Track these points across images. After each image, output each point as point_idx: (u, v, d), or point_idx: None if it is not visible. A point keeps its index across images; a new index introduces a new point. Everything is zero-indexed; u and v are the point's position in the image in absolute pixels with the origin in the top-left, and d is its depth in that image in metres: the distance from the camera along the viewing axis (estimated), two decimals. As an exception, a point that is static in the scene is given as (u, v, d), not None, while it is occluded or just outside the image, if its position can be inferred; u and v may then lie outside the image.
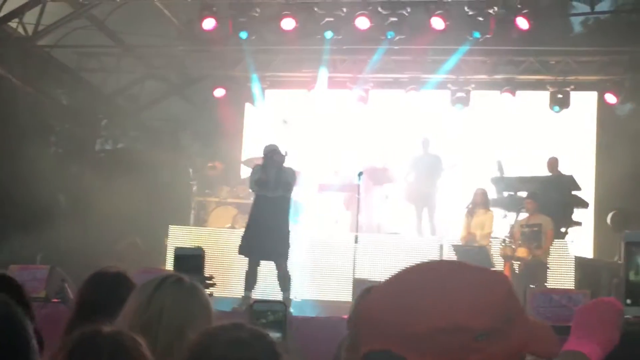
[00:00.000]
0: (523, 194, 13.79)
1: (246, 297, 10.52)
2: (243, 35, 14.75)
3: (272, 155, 11.02)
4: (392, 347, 1.51)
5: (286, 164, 11.11)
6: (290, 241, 11.01)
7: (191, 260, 2.99)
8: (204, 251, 3.12)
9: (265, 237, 10.66)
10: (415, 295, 1.55)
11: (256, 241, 10.76)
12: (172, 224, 14.12)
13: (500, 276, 1.62)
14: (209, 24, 14.72)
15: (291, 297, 10.78)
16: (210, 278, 3.49)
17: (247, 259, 10.81)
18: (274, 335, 2.03)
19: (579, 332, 1.73)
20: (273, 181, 10.89)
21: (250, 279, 10.71)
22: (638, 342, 1.63)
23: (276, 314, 2.02)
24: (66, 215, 13.99)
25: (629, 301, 1.79)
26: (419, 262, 1.64)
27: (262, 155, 11.24)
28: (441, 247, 13.37)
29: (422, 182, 14.99)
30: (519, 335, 1.54)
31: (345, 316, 9.71)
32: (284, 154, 10.92)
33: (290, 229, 11.12)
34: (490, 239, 12.96)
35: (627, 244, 1.78)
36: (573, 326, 1.74)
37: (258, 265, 10.81)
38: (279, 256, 10.72)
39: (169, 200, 14.62)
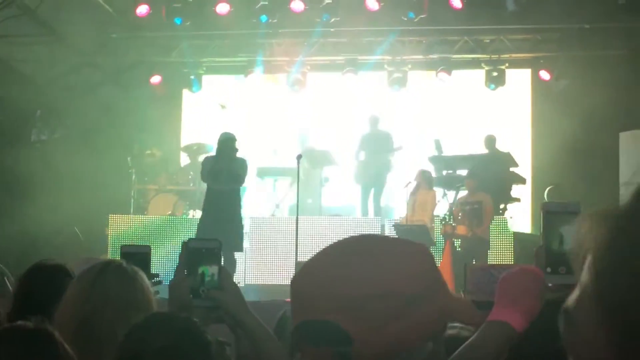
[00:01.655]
0: (462, 172, 13.95)
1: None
2: (177, 21, 14.68)
3: (226, 145, 10.83)
4: (325, 316, 1.54)
5: (238, 154, 10.97)
6: (243, 232, 10.98)
7: (138, 258, 3.00)
8: (150, 248, 3.11)
9: (219, 230, 10.56)
10: (345, 265, 1.59)
11: (210, 234, 10.66)
12: (112, 213, 14.02)
13: (422, 247, 1.69)
14: (142, 9, 14.61)
15: (235, 282, 10.74)
16: (157, 276, 3.48)
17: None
18: (212, 269, 2.16)
19: (502, 301, 1.77)
20: (226, 172, 10.73)
21: None
22: (558, 309, 1.68)
23: (211, 249, 2.11)
24: (2, 208, 13.75)
25: (548, 269, 1.83)
26: (345, 237, 1.68)
27: (201, 142, 11.13)
28: (383, 227, 13.49)
29: (372, 161, 14.95)
30: (441, 303, 1.60)
31: (288, 299, 9.77)
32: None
33: (242, 220, 11.05)
34: (433, 217, 13.10)
35: (545, 213, 1.84)
36: (497, 296, 1.78)
37: None
38: (232, 248, 10.61)
39: (108, 189, 14.46)
